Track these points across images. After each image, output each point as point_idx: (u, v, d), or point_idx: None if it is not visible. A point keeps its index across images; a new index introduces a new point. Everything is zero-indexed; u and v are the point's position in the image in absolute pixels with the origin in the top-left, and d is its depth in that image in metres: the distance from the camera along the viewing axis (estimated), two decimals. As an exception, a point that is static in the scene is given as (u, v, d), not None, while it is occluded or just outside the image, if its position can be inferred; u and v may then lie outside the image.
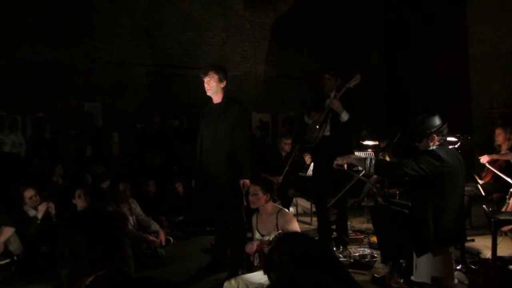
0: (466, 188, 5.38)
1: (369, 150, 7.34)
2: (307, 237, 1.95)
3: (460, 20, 9.18)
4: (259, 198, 3.88)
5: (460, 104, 8.96)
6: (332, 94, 5.14)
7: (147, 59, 9.27)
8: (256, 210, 4.02)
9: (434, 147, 3.65)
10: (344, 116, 4.94)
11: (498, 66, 8.47)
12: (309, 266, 1.64)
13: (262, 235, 3.90)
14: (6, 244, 4.47)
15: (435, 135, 3.65)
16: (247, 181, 4.25)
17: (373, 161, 3.73)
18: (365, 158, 3.83)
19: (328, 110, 5.06)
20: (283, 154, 7.15)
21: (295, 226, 3.88)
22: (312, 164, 6.76)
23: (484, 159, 5.74)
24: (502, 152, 5.81)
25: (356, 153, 6.39)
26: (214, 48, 9.97)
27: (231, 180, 4.33)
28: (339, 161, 4.03)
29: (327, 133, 5.10)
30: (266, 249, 3.61)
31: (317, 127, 5.11)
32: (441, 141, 3.68)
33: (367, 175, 4.56)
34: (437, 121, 3.70)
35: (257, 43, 10.50)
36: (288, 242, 1.78)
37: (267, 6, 10.62)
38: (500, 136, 5.87)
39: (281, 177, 6.68)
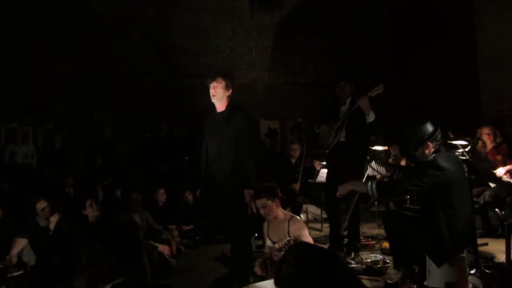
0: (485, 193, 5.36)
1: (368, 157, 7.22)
2: (315, 247, 1.92)
3: (469, 23, 9.14)
4: (270, 208, 3.87)
5: (470, 107, 8.91)
6: (348, 101, 5.12)
7: (155, 69, 9.34)
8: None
9: (433, 156, 3.57)
10: (372, 116, 4.88)
11: (508, 69, 8.40)
12: (318, 277, 1.62)
13: (274, 242, 3.89)
14: (19, 255, 4.48)
15: (429, 143, 3.57)
16: (251, 192, 4.13)
17: (374, 185, 3.64)
18: (366, 183, 3.73)
19: (345, 117, 5.03)
20: (293, 160, 7.15)
21: (307, 233, 3.88)
22: (322, 170, 6.75)
23: (500, 172, 5.56)
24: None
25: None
26: (222, 56, 10.03)
27: (237, 190, 4.23)
28: (340, 191, 3.92)
29: (342, 139, 5.08)
30: (276, 256, 3.61)
31: (333, 133, 5.09)
32: (436, 146, 3.60)
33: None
34: (429, 128, 3.62)
35: (264, 50, 10.54)
36: (295, 253, 1.74)
37: (274, 14, 10.67)
38: (493, 136, 5.80)
39: (298, 184, 6.72)
